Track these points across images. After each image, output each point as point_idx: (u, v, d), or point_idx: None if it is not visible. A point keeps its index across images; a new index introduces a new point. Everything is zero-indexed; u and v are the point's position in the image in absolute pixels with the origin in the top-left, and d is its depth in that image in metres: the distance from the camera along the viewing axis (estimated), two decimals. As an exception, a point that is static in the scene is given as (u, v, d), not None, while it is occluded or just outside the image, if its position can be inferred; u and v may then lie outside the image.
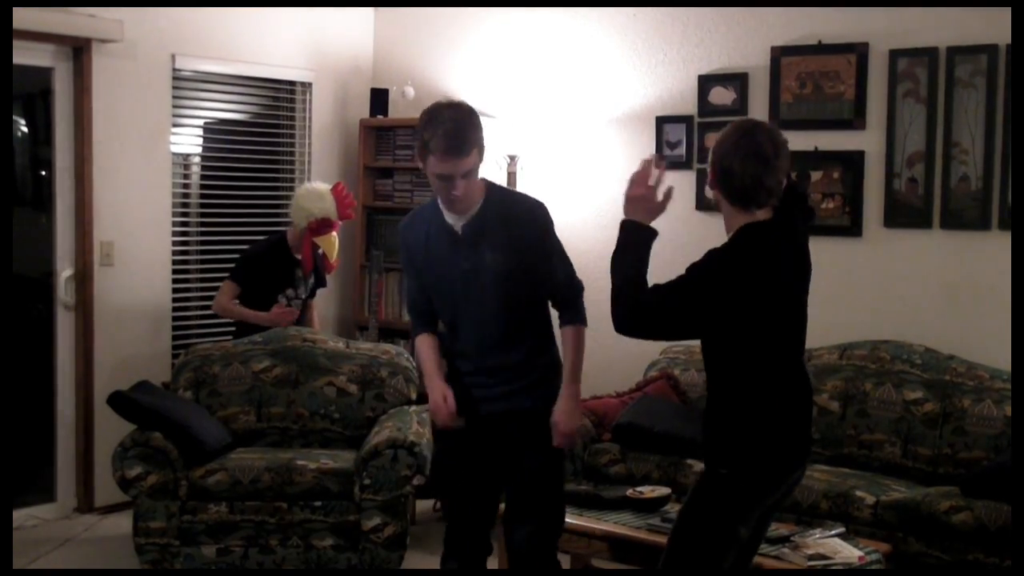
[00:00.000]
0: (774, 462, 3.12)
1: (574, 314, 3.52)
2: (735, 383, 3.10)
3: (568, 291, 3.52)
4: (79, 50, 5.56)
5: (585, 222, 6.00)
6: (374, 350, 5.42)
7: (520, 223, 3.42)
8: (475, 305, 3.42)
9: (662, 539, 3.93)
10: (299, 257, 5.59)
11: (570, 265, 3.54)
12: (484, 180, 3.48)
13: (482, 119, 3.38)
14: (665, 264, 3.27)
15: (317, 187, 5.60)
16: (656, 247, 3.12)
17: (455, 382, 3.54)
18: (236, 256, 5.81)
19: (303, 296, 5.70)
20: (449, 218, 3.43)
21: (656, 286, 3.04)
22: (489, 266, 3.39)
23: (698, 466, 4.80)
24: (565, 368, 3.48)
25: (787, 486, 3.21)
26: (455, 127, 3.25)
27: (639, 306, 3.01)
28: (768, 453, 3.10)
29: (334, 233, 5.57)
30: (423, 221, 3.52)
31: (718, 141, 3.11)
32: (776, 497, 3.20)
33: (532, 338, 3.51)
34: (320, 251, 5.60)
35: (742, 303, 3.00)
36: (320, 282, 5.87)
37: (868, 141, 5.30)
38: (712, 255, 3.06)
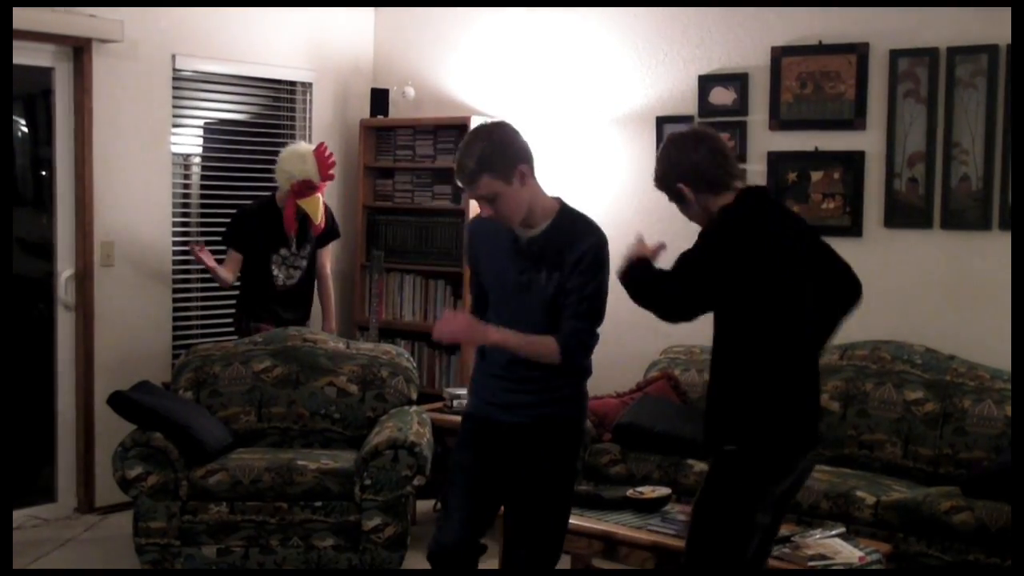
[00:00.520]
0: (780, 438, 3.15)
1: (563, 349, 3.38)
2: (742, 361, 3.15)
3: (572, 337, 3.38)
4: (79, 50, 5.55)
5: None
6: (375, 350, 5.42)
7: (582, 258, 3.37)
8: (519, 317, 3.42)
9: (663, 539, 3.96)
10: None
11: (598, 320, 3.42)
12: (558, 200, 3.49)
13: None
14: (668, 266, 3.30)
15: (300, 149, 5.59)
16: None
17: (480, 382, 3.56)
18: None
19: (296, 252, 5.69)
20: (518, 228, 3.44)
21: (678, 265, 3.17)
22: (541, 284, 3.39)
23: (699, 466, 4.82)
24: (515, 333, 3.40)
25: (797, 473, 3.24)
26: (466, 159, 3.31)
27: (667, 300, 3.19)
28: (773, 429, 3.14)
29: (318, 195, 5.58)
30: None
31: (664, 163, 3.24)
32: (786, 484, 3.23)
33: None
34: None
35: (752, 262, 3.09)
36: (331, 233, 5.85)
37: (869, 141, 5.30)
38: (719, 220, 3.17)
